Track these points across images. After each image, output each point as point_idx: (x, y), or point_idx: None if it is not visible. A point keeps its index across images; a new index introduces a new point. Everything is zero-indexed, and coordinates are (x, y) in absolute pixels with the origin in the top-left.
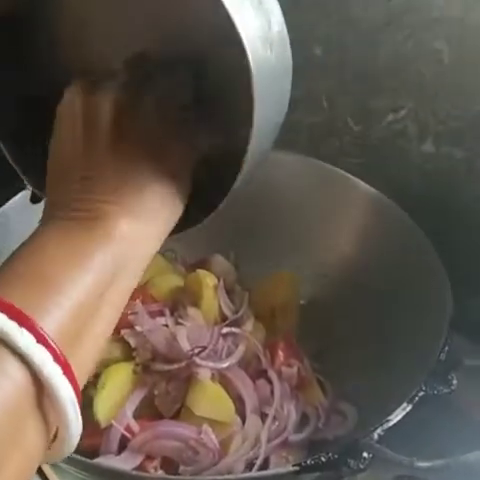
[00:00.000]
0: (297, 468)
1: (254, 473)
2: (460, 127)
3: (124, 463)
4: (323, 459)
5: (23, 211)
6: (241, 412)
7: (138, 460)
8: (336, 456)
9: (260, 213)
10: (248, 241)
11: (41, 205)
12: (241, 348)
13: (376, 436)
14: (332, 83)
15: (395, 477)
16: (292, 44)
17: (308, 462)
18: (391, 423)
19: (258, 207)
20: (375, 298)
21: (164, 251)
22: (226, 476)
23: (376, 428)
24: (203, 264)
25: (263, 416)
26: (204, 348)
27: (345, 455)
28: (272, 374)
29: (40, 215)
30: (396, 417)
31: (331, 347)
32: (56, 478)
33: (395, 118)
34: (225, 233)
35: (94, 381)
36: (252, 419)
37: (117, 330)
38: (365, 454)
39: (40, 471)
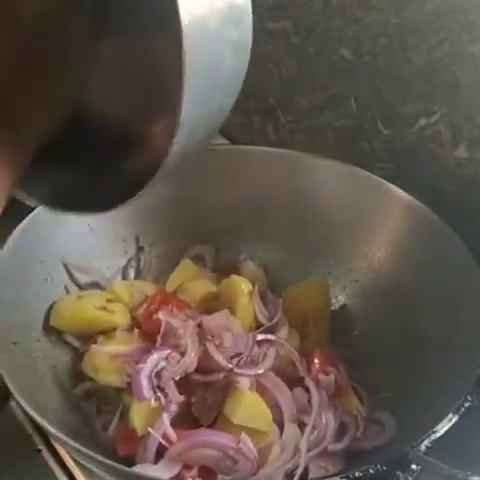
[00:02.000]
0: None
1: None
2: None
3: (162, 472)
4: (371, 471)
5: (53, 215)
6: (278, 421)
7: (176, 469)
8: (385, 468)
9: (291, 218)
10: (278, 247)
11: None
12: (272, 352)
13: (423, 447)
14: (361, 86)
15: None
16: (320, 47)
17: (356, 474)
18: (438, 434)
19: (289, 212)
20: (411, 304)
21: (191, 256)
22: None
23: (423, 439)
24: (233, 270)
25: (300, 425)
26: (240, 355)
27: (394, 467)
28: (309, 382)
29: (69, 219)
30: (442, 428)
31: (364, 354)
32: None
33: (428, 122)
34: (254, 239)
35: (130, 388)
36: (290, 428)
37: (153, 337)
38: (414, 466)
39: (71, 477)
